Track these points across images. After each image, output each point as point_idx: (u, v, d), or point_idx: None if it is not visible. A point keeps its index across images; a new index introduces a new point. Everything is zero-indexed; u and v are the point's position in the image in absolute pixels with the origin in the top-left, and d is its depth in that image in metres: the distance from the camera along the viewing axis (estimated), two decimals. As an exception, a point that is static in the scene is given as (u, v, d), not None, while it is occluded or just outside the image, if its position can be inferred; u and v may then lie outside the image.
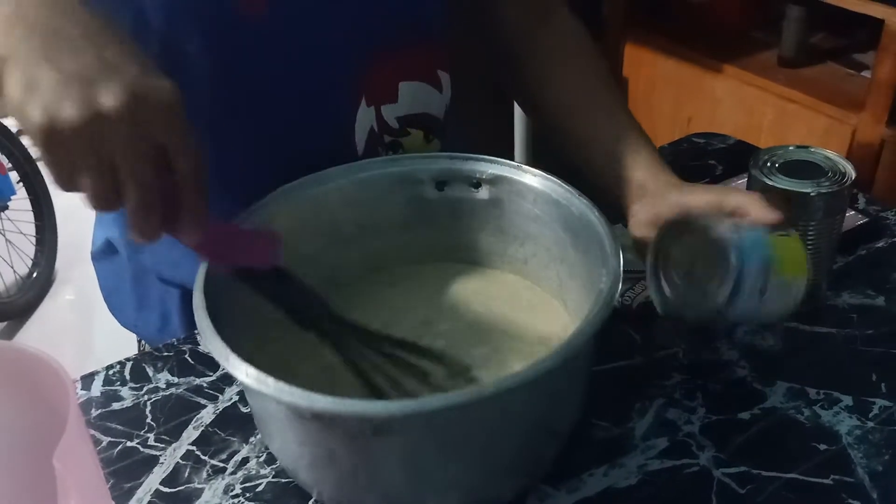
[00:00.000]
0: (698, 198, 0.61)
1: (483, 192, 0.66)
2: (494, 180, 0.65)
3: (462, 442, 0.49)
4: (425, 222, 0.68)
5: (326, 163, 0.66)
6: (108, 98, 0.42)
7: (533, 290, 0.68)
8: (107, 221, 0.83)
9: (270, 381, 0.45)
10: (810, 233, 0.68)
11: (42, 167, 2.37)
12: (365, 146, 0.73)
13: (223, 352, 0.47)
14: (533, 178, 0.64)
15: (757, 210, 0.59)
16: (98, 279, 0.86)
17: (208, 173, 0.47)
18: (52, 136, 0.42)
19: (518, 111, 1.72)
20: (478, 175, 0.65)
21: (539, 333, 0.63)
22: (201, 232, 0.48)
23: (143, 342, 0.87)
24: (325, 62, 0.68)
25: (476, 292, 0.68)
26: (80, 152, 0.43)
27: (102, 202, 0.45)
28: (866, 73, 1.68)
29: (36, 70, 0.43)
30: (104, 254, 0.84)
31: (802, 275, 0.58)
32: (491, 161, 0.66)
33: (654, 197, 0.64)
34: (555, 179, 0.63)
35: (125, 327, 0.85)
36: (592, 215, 0.59)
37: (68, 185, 0.44)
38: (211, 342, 0.48)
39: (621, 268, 0.54)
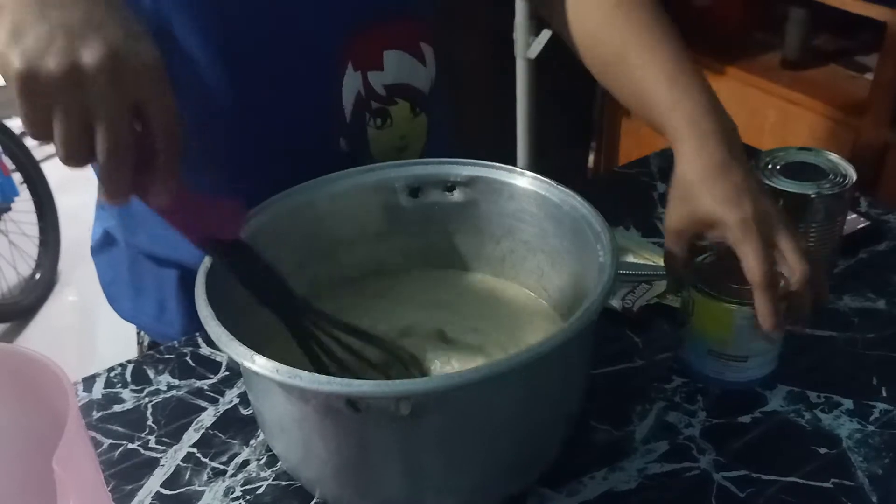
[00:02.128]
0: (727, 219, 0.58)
1: (457, 195, 0.66)
2: (469, 182, 0.66)
3: (474, 430, 0.50)
4: (401, 231, 0.68)
5: (316, 127, 0.66)
6: (89, 52, 0.44)
7: (512, 287, 0.68)
8: (105, 215, 0.84)
9: (304, 374, 0.45)
10: (811, 235, 0.68)
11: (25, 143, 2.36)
12: (352, 111, 0.73)
13: (242, 351, 0.47)
14: (509, 175, 0.64)
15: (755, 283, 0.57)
16: (97, 273, 0.87)
17: (186, 139, 0.48)
18: (29, 83, 0.44)
19: (521, 112, 1.72)
20: (451, 178, 0.66)
21: (521, 330, 0.64)
22: (170, 195, 0.49)
23: (141, 333, 0.88)
24: (311, 29, 0.69)
25: (455, 296, 0.68)
26: (56, 101, 0.44)
27: (73, 152, 0.46)
28: (869, 76, 1.68)
29: (24, 19, 0.45)
30: (102, 246, 0.85)
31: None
32: (464, 163, 0.66)
33: (689, 196, 0.60)
34: (533, 174, 0.64)
35: (123, 318, 0.86)
36: (575, 201, 0.60)
37: (40, 132, 0.46)
38: (228, 346, 0.48)
39: (615, 241, 0.56)
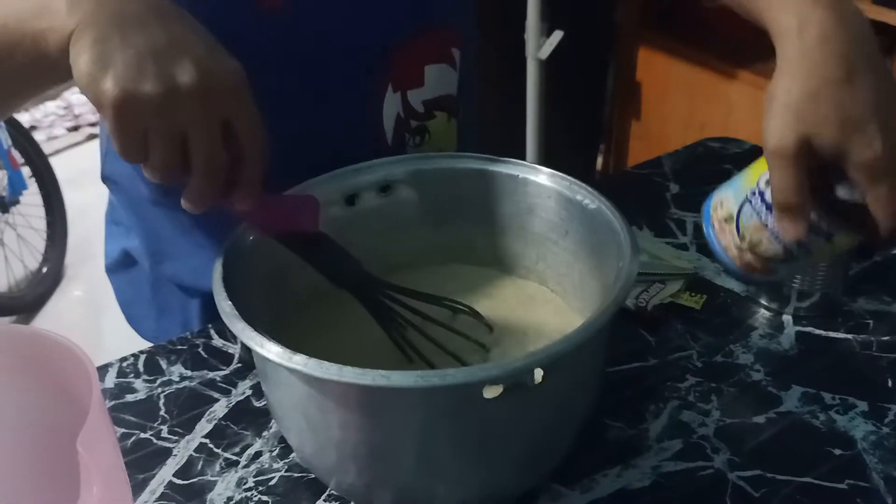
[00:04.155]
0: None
1: (395, 195, 0.66)
2: (407, 179, 0.66)
3: (498, 426, 0.50)
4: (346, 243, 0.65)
5: (358, 154, 0.66)
6: (183, 73, 0.44)
7: (505, 276, 0.69)
8: (121, 233, 0.83)
9: (379, 374, 0.44)
10: (827, 237, 0.67)
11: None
12: (393, 133, 0.73)
13: (311, 362, 0.45)
14: (454, 161, 0.66)
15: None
16: (115, 292, 0.87)
17: (270, 148, 0.49)
18: (126, 109, 0.44)
19: (531, 113, 1.72)
20: (387, 179, 0.66)
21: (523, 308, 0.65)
22: (255, 201, 0.50)
23: None
24: (348, 51, 0.68)
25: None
26: (153, 124, 0.44)
27: (168, 171, 0.46)
28: (881, 82, 1.68)
29: (107, 45, 0.44)
30: (120, 266, 0.84)
31: None
32: (398, 161, 0.66)
33: (798, 110, 0.47)
34: (483, 155, 0.65)
35: (144, 338, 0.85)
36: (562, 182, 0.62)
37: (136, 156, 0.46)
38: (283, 357, 0.46)
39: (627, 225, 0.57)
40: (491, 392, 0.46)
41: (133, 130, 0.45)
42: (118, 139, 0.45)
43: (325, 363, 0.45)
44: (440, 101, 0.75)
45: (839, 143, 0.46)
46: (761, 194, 0.52)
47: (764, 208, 0.52)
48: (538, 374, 0.47)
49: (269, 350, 0.47)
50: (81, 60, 0.44)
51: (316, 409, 0.51)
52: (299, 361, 0.45)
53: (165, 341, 0.73)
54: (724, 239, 0.56)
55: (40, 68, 0.49)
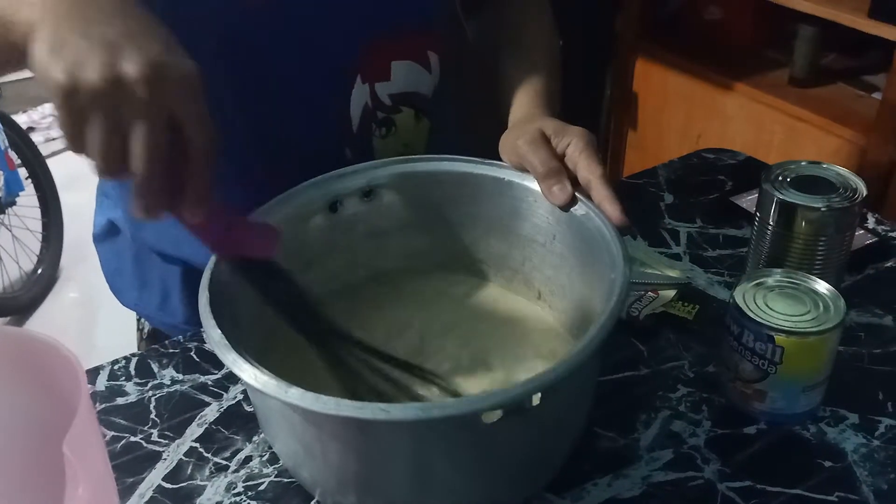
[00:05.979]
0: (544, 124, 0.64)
1: (378, 200, 0.66)
2: (390, 183, 0.66)
3: (491, 444, 0.49)
4: (326, 253, 0.65)
5: (324, 139, 0.66)
6: (130, 64, 0.44)
7: (491, 287, 0.70)
8: (108, 204, 0.85)
9: (370, 406, 0.44)
10: (820, 248, 0.67)
11: (39, 150, 2.36)
12: (359, 122, 0.74)
13: (306, 395, 0.45)
14: (438, 164, 0.65)
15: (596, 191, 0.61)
16: (100, 261, 0.88)
17: (218, 155, 0.48)
18: (71, 96, 0.44)
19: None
20: (370, 184, 0.66)
21: (516, 334, 0.65)
22: (203, 211, 0.49)
23: (141, 320, 0.88)
24: (323, 45, 0.70)
25: (432, 301, 0.68)
26: (96, 113, 0.44)
27: (110, 165, 0.46)
28: (877, 95, 1.68)
29: (64, 34, 0.45)
30: (106, 235, 0.86)
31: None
32: (381, 165, 0.66)
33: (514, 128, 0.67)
34: (467, 158, 0.65)
35: (126, 307, 0.86)
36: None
37: (79, 145, 0.45)
38: (273, 389, 0.46)
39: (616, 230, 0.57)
40: (489, 417, 0.46)
41: (76, 118, 0.44)
42: (62, 126, 0.45)
43: (322, 397, 0.44)
44: (407, 96, 0.76)
45: None
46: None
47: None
48: (535, 397, 0.46)
49: (265, 384, 0.46)
50: (36, 48, 0.45)
51: (313, 438, 0.50)
52: (295, 395, 0.44)
53: (158, 345, 0.72)
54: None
55: (13, 56, 0.49)
